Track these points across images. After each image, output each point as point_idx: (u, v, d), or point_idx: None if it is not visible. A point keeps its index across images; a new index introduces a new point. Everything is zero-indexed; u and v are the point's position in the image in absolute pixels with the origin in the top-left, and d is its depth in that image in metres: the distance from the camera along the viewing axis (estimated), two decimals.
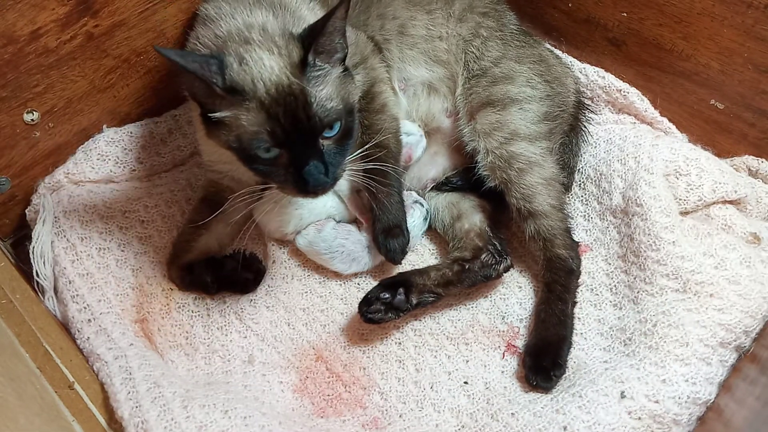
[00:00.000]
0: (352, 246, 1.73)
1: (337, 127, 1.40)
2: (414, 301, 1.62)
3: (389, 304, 1.59)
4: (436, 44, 1.78)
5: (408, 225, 1.73)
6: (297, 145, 1.35)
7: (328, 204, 1.76)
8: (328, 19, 1.31)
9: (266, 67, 1.33)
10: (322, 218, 1.77)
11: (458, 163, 1.86)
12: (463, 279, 1.67)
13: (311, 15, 1.54)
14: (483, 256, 1.70)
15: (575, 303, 1.66)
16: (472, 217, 1.78)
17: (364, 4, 1.74)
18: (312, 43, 1.34)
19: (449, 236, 1.81)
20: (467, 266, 1.68)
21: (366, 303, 1.59)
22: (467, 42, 1.78)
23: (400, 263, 1.71)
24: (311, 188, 1.38)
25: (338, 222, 1.78)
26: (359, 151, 1.55)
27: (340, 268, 1.74)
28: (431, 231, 1.88)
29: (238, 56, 1.34)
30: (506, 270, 1.72)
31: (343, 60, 1.43)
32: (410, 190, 1.85)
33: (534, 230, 1.65)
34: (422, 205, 1.83)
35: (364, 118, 1.66)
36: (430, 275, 1.66)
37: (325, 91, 1.37)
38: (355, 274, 1.77)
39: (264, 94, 1.32)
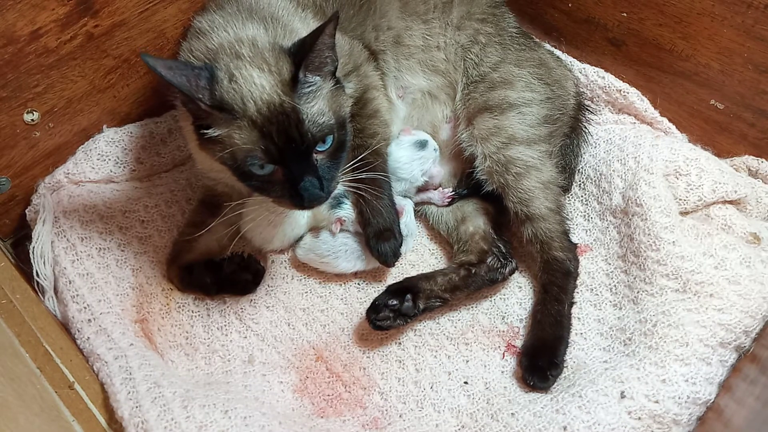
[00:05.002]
0: (354, 243, 1.73)
1: (329, 140, 1.40)
2: (421, 307, 1.62)
3: (397, 311, 1.59)
4: (433, 54, 1.78)
5: (405, 222, 1.74)
6: (291, 161, 1.35)
7: (306, 216, 1.75)
8: (317, 36, 1.30)
9: (257, 85, 1.33)
10: (304, 231, 1.77)
11: (458, 168, 1.86)
12: (469, 284, 1.68)
13: (303, 26, 1.54)
14: (489, 259, 1.70)
15: (573, 303, 1.66)
16: (476, 220, 1.78)
17: (360, 16, 1.73)
18: (302, 59, 1.33)
19: (453, 239, 1.81)
20: (473, 270, 1.68)
21: (374, 310, 1.59)
22: (466, 49, 1.78)
23: (394, 266, 1.71)
24: (307, 203, 1.39)
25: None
26: (353, 162, 1.56)
27: (345, 268, 1.73)
28: (432, 231, 1.89)
29: (228, 72, 1.33)
30: (511, 273, 1.73)
31: (334, 72, 1.43)
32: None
33: (531, 233, 1.65)
34: (410, 198, 1.83)
35: (356, 122, 1.66)
36: (437, 280, 1.66)
37: (317, 107, 1.37)
38: (355, 274, 1.77)
39: (255, 113, 1.32)
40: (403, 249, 1.73)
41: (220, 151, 1.36)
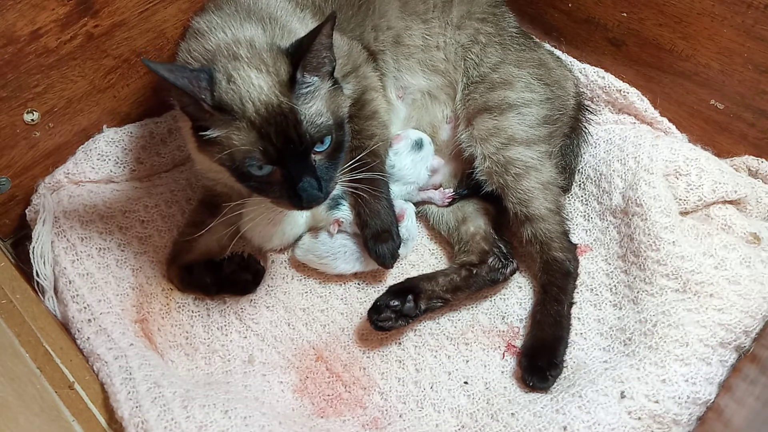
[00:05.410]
0: (353, 245, 1.73)
1: (327, 141, 1.40)
2: (423, 307, 1.62)
3: (399, 312, 1.59)
4: (433, 54, 1.78)
5: (407, 225, 1.73)
6: (289, 162, 1.36)
7: (305, 215, 1.75)
8: (314, 36, 1.31)
9: (255, 86, 1.33)
10: (303, 230, 1.77)
11: (459, 168, 1.86)
12: (471, 284, 1.68)
13: (301, 26, 1.54)
14: (490, 260, 1.70)
15: (572, 303, 1.66)
16: (477, 221, 1.78)
17: (360, 16, 1.73)
18: (300, 59, 1.33)
19: (454, 239, 1.81)
20: (475, 271, 1.68)
21: (376, 311, 1.59)
22: (466, 49, 1.78)
23: (392, 267, 1.70)
24: (305, 203, 1.39)
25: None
26: (351, 162, 1.56)
27: (343, 269, 1.73)
28: (432, 231, 1.89)
29: (226, 73, 1.33)
30: (512, 273, 1.73)
31: (332, 73, 1.43)
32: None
33: (531, 234, 1.65)
34: (411, 202, 1.84)
35: (355, 124, 1.66)
36: (438, 281, 1.66)
37: (315, 107, 1.37)
38: (355, 274, 1.77)
39: (254, 114, 1.32)
40: (403, 252, 1.73)
41: (219, 153, 1.36)
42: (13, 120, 1.65)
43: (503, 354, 1.65)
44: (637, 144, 1.75)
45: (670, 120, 1.86)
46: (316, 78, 1.38)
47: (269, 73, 1.35)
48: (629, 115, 1.89)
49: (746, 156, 1.78)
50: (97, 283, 1.62)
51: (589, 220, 1.80)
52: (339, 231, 1.72)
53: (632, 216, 1.66)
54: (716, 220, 1.68)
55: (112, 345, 1.48)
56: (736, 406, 1.39)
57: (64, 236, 1.67)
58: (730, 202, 1.71)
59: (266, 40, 1.41)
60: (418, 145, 1.79)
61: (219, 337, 1.66)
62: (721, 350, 1.47)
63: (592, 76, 1.92)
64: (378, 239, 1.65)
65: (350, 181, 1.58)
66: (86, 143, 1.81)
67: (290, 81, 1.35)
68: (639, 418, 1.40)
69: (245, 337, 1.67)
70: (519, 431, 1.44)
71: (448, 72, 1.79)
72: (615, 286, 1.68)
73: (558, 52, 1.97)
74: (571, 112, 1.84)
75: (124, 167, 1.82)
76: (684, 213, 1.70)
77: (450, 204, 1.84)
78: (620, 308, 1.64)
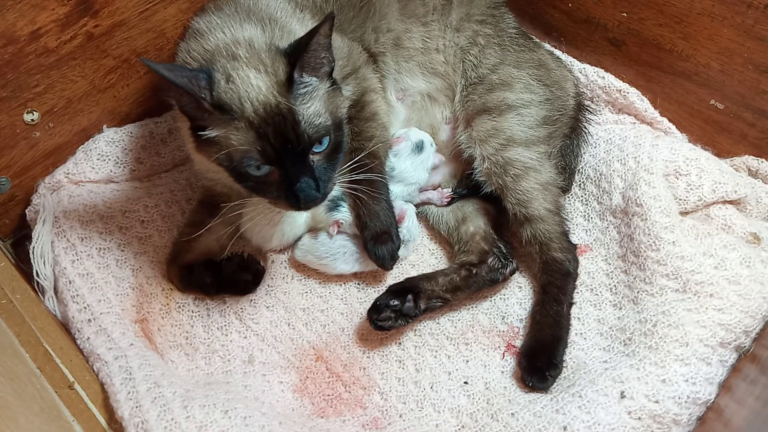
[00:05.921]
0: (353, 246, 1.73)
1: (326, 142, 1.40)
2: (422, 307, 1.62)
3: (399, 311, 1.59)
4: (432, 57, 1.78)
5: (407, 226, 1.73)
6: (287, 162, 1.36)
7: (305, 216, 1.75)
8: (312, 36, 1.31)
9: (253, 86, 1.33)
10: (303, 231, 1.77)
11: (458, 169, 1.86)
12: (470, 284, 1.68)
13: (301, 27, 1.54)
14: (490, 260, 1.71)
15: (572, 304, 1.66)
16: (477, 221, 1.78)
17: (360, 18, 1.73)
18: (297, 60, 1.33)
19: (454, 239, 1.81)
20: (474, 271, 1.68)
21: (375, 310, 1.59)
22: (465, 51, 1.78)
23: (391, 269, 1.70)
24: (303, 204, 1.39)
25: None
26: (350, 163, 1.56)
27: (343, 269, 1.73)
28: (432, 231, 1.89)
29: (225, 73, 1.34)
30: (512, 273, 1.73)
31: (331, 73, 1.43)
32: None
33: (530, 234, 1.65)
34: (411, 203, 1.84)
35: (354, 125, 1.66)
36: (438, 281, 1.66)
37: (313, 108, 1.37)
38: (355, 274, 1.77)
39: (252, 114, 1.32)
40: (403, 253, 1.73)
41: (217, 152, 1.37)
42: (13, 120, 1.65)
43: (503, 354, 1.65)
44: (637, 144, 1.76)
45: (670, 120, 1.86)
46: (314, 78, 1.39)
47: (267, 73, 1.35)
48: (629, 115, 1.89)
49: (746, 156, 1.78)
50: (97, 283, 1.62)
51: (589, 220, 1.80)
52: (339, 232, 1.72)
53: (632, 216, 1.66)
54: (716, 220, 1.68)
55: (112, 345, 1.48)
56: (736, 406, 1.39)
57: (64, 236, 1.67)
58: (730, 202, 1.71)
59: (265, 41, 1.41)
60: (419, 147, 1.79)
61: (219, 337, 1.66)
62: (721, 350, 1.47)
63: (592, 76, 1.92)
64: (377, 241, 1.65)
65: (349, 182, 1.58)
66: (86, 143, 1.81)
67: (288, 81, 1.35)
68: (639, 418, 1.40)
69: (245, 337, 1.67)
70: (519, 431, 1.44)
71: (448, 74, 1.79)
72: (615, 286, 1.68)
73: (558, 52, 1.97)
74: (570, 112, 1.83)
75: (124, 167, 1.82)
76: (684, 213, 1.70)
77: (449, 204, 1.84)
78: (620, 308, 1.64)
